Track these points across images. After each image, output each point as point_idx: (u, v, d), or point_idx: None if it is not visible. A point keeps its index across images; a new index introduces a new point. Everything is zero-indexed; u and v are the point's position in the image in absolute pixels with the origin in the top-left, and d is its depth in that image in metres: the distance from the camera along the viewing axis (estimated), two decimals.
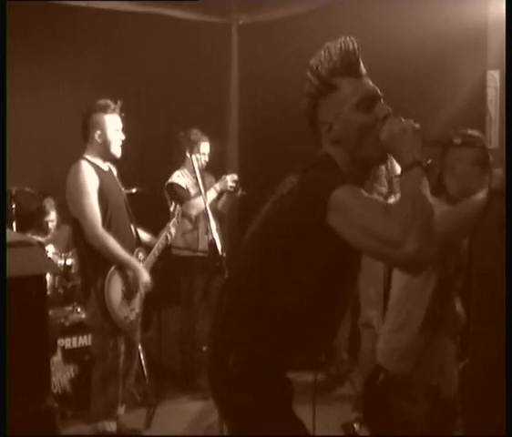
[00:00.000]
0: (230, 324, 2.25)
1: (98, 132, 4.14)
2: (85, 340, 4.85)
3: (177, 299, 5.25)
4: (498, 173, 2.83)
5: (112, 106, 4.17)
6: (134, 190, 4.71)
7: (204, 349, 5.20)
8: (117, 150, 4.20)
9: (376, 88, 2.21)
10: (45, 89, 5.85)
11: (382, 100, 2.19)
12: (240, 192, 5.34)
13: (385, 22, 5.27)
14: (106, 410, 4.23)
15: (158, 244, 4.50)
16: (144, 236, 4.52)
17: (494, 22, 4.93)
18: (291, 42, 5.89)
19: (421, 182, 2.00)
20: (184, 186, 5.31)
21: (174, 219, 4.63)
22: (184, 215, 5.10)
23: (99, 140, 4.15)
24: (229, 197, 5.40)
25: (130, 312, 4.26)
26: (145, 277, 4.28)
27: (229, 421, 2.35)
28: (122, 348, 4.24)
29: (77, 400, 4.71)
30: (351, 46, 2.18)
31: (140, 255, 4.36)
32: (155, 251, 4.46)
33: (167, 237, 4.54)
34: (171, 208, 4.75)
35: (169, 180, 5.30)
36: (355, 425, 4.62)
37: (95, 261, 4.11)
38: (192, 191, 5.28)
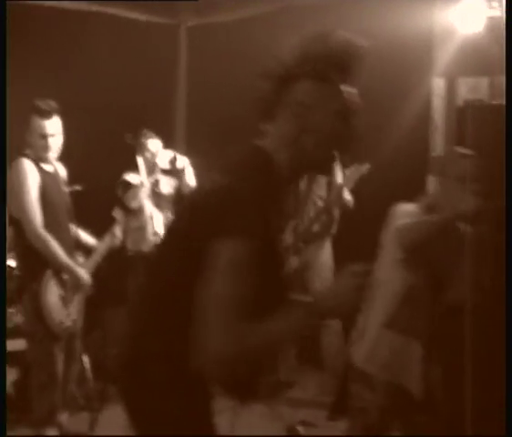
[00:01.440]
0: (149, 334, 2.07)
1: (36, 135, 4.07)
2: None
3: (123, 300, 5.19)
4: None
5: (52, 108, 4.10)
6: (79, 188, 4.62)
7: None
8: (54, 154, 4.15)
9: (359, 103, 2.10)
10: None
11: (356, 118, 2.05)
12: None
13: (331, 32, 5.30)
14: (46, 416, 4.14)
15: (102, 246, 4.43)
16: (89, 239, 4.47)
17: (439, 31, 5.03)
18: (240, 45, 5.92)
19: (295, 326, 1.88)
20: (135, 183, 5.22)
21: (120, 218, 4.56)
22: (132, 213, 5.01)
23: (38, 143, 4.08)
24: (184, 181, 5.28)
25: (66, 318, 4.16)
26: (83, 280, 4.20)
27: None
28: (59, 354, 4.16)
29: (20, 403, 4.59)
30: (353, 48, 2.06)
31: (79, 259, 4.29)
32: (97, 254, 4.39)
33: (111, 238, 4.47)
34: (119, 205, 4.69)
35: (121, 178, 5.23)
36: (300, 428, 4.65)
37: (32, 263, 4.04)
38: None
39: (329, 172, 2.06)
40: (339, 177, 4.89)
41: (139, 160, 4.78)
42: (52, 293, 4.08)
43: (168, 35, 6.53)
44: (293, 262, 5.07)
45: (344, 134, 2.02)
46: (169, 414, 2.04)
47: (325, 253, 5.13)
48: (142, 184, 5.03)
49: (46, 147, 4.09)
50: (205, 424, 2.13)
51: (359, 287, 1.87)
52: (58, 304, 4.11)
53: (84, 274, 4.22)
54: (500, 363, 3.02)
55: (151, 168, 5.17)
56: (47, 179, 4.12)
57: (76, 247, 4.32)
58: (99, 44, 6.06)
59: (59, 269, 4.11)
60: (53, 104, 4.11)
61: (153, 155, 5.26)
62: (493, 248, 3.94)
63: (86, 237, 4.47)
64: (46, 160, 4.15)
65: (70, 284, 4.17)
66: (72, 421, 4.51)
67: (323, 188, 4.99)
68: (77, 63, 6.07)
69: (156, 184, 5.21)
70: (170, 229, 2.19)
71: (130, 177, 5.25)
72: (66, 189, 4.34)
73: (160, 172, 5.31)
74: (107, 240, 4.45)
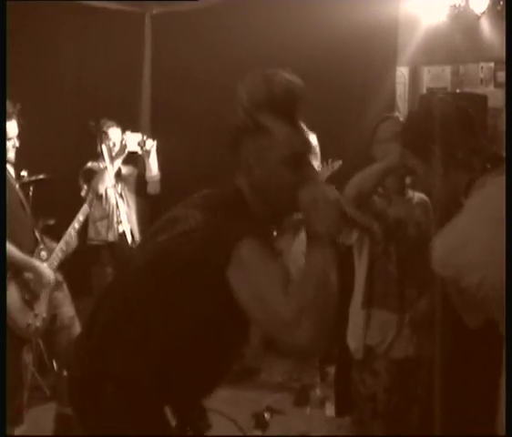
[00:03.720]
0: (105, 354, 2.04)
1: None
2: None
3: (89, 290, 5.14)
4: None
5: (9, 111, 4.00)
6: (43, 176, 4.57)
7: None
8: (9, 157, 4.05)
9: (310, 143, 2.07)
10: None
11: (313, 156, 2.05)
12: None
13: (298, 19, 5.33)
14: (14, 416, 4.06)
15: (65, 239, 4.35)
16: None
17: (403, 21, 5.08)
18: (205, 33, 5.90)
19: (327, 258, 1.86)
20: (100, 168, 5.14)
21: (85, 206, 4.50)
22: (96, 200, 4.95)
23: None
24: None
25: (34, 319, 4.05)
26: (47, 276, 4.13)
27: None
28: (28, 358, 4.09)
29: None
30: (296, 89, 1.97)
31: (42, 254, 4.16)
32: (61, 247, 4.30)
33: (74, 227, 4.39)
34: (83, 193, 4.64)
35: (85, 167, 5.16)
36: (266, 414, 4.67)
37: None
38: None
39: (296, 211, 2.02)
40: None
41: (103, 148, 4.73)
42: (12, 297, 3.96)
43: (134, 24, 6.49)
44: None
45: (300, 177, 1.97)
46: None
47: (300, 241, 5.15)
48: (106, 170, 4.96)
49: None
50: None
51: (340, 207, 1.91)
52: (22, 307, 4.00)
53: (46, 269, 4.14)
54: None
55: (113, 157, 5.12)
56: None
57: (36, 244, 4.21)
58: (64, 32, 5.99)
59: (20, 270, 4.04)
60: (11, 106, 4.01)
61: (114, 143, 5.22)
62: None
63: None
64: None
65: (33, 283, 4.10)
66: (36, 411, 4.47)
67: None
68: (42, 51, 5.99)
69: (118, 172, 5.16)
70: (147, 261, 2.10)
71: (93, 165, 5.19)
72: (17, 186, 4.20)
73: (122, 161, 5.26)
74: (70, 232, 4.36)
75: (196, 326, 1.97)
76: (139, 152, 5.12)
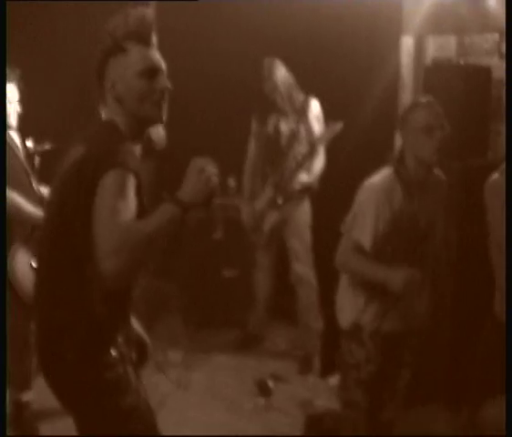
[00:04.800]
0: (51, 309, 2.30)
1: None
2: None
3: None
4: None
5: (9, 75, 4.00)
6: (48, 147, 4.57)
7: None
8: (11, 121, 4.06)
9: (161, 62, 2.34)
10: None
11: (164, 74, 2.33)
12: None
13: None
14: (21, 381, 4.16)
15: None
16: None
17: None
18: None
19: (172, 223, 2.09)
20: None
21: None
22: None
23: None
24: None
25: None
26: None
27: (69, 408, 2.38)
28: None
29: None
30: (147, 16, 2.30)
31: None
32: None
33: None
34: None
35: None
36: (269, 382, 4.73)
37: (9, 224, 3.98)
38: None
39: (157, 120, 2.33)
40: (318, 133, 4.94)
41: None
42: (21, 263, 3.99)
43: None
44: (271, 217, 5.12)
45: (155, 89, 2.29)
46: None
47: (304, 210, 5.17)
48: None
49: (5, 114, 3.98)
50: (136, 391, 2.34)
51: (207, 179, 2.14)
52: (30, 274, 3.96)
53: None
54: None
55: None
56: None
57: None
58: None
59: (28, 237, 4.07)
60: (11, 70, 4.00)
61: None
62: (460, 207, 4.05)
63: None
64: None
65: None
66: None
67: (304, 145, 5.01)
68: (44, 17, 5.96)
69: None
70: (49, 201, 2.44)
71: None
72: (21, 154, 4.20)
73: None
74: None
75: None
76: None
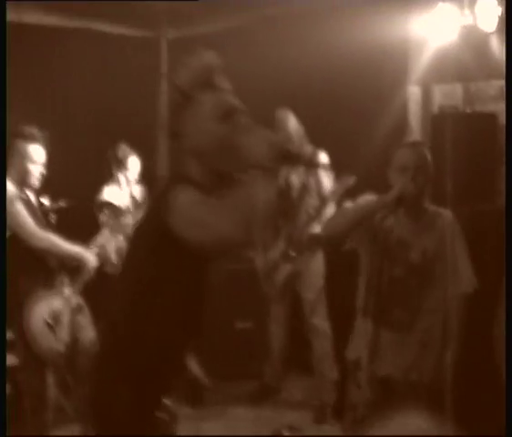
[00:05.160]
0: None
1: (18, 160, 4.09)
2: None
3: None
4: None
5: (37, 135, 4.12)
6: (63, 204, 4.65)
7: None
8: (34, 182, 4.17)
9: (237, 102, 2.29)
10: None
11: (242, 113, 2.27)
12: None
13: (309, 40, 5.40)
14: (37, 434, 4.17)
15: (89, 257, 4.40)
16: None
17: (414, 40, 5.14)
18: (221, 56, 5.97)
19: (267, 185, 2.07)
20: (115, 202, 5.20)
21: (106, 232, 4.55)
22: (117, 230, 5.03)
23: (18, 168, 4.10)
24: None
25: (56, 343, 4.12)
26: (91, 263, 4.21)
27: None
28: (51, 378, 4.18)
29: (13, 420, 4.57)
30: (210, 61, 2.30)
31: (66, 280, 4.27)
32: (87, 271, 4.37)
33: (98, 253, 4.46)
34: (103, 221, 4.72)
35: (101, 198, 5.20)
36: (285, 432, 4.70)
37: (22, 284, 4.04)
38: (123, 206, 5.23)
39: (239, 168, 2.23)
40: (327, 186, 4.98)
41: (121, 178, 4.90)
42: (37, 318, 4.04)
43: (149, 49, 6.60)
44: (285, 270, 5.14)
45: (231, 129, 2.22)
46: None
47: (317, 261, 5.20)
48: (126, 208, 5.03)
49: (28, 172, 4.12)
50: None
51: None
52: (44, 330, 4.06)
53: (91, 256, 4.23)
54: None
55: (129, 185, 5.24)
56: (24, 202, 4.14)
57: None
58: (80, 59, 6.10)
59: (64, 260, 4.15)
60: (36, 131, 4.14)
61: (130, 172, 5.31)
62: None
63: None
64: (26, 184, 4.17)
65: (62, 304, 4.16)
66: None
67: (315, 198, 5.06)
68: (57, 77, 6.11)
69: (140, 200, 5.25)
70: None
71: (111, 195, 5.20)
72: (40, 214, 4.32)
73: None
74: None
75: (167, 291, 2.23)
76: None
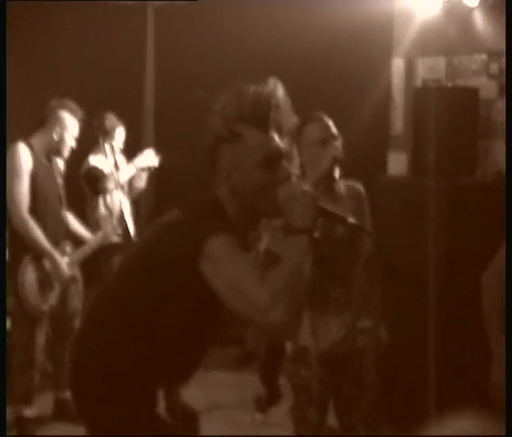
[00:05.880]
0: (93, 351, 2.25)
1: (58, 129, 4.27)
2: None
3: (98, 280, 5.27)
4: None
5: (79, 112, 4.35)
6: None
7: None
8: (66, 153, 4.37)
9: (281, 147, 2.17)
10: None
11: (285, 160, 2.18)
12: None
13: (295, 13, 5.42)
14: (23, 395, 4.28)
15: (93, 241, 4.57)
16: (83, 231, 4.66)
17: (399, 14, 5.19)
18: (208, 27, 5.97)
19: (303, 252, 2.00)
20: (102, 169, 5.23)
21: (108, 219, 4.81)
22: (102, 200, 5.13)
23: (55, 136, 4.27)
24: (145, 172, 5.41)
25: (43, 302, 4.26)
26: (62, 270, 4.30)
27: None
28: (41, 338, 4.29)
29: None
30: (264, 96, 2.15)
31: (67, 248, 4.41)
32: (87, 247, 4.53)
33: (104, 235, 4.64)
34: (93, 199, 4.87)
35: (86, 166, 5.22)
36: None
37: (16, 246, 4.15)
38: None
39: (276, 214, 2.14)
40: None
41: (107, 147, 4.97)
42: (29, 277, 4.18)
43: (136, 17, 6.56)
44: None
45: (274, 178, 2.11)
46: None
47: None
48: (111, 172, 5.13)
49: (63, 143, 4.32)
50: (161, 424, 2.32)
51: (312, 201, 2.06)
52: (34, 288, 4.21)
53: (63, 264, 4.31)
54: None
55: (115, 154, 5.29)
56: (41, 168, 4.26)
57: (67, 237, 4.47)
58: (66, 27, 6.08)
59: (40, 255, 4.22)
60: (78, 108, 4.38)
61: (116, 142, 5.35)
62: (449, 225, 4.14)
63: (80, 229, 4.64)
64: (53, 153, 4.37)
65: (49, 272, 4.29)
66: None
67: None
68: (43, 46, 6.09)
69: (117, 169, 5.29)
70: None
71: (97, 162, 5.25)
72: (60, 181, 4.48)
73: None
74: (100, 236, 4.60)
75: (176, 316, 2.16)
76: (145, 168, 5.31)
